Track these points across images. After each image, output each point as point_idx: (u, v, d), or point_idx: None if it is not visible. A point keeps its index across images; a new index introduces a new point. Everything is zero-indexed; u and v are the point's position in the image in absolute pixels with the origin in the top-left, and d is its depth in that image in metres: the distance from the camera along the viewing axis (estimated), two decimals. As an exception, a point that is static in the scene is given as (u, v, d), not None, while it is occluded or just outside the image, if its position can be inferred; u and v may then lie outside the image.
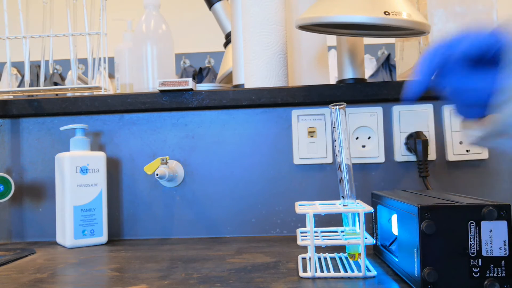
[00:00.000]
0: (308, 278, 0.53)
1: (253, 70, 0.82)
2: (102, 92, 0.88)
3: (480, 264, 0.44)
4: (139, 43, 1.06)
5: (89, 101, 0.84)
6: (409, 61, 1.03)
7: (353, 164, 0.80)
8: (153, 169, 0.77)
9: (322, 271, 0.54)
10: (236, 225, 0.83)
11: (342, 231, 0.61)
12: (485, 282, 0.43)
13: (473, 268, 0.44)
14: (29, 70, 0.88)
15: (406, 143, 0.80)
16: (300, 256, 0.61)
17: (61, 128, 0.81)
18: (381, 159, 0.81)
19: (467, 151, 0.80)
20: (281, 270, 0.57)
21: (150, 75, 1.04)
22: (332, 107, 0.59)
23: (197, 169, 0.84)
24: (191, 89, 0.82)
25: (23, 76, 2.72)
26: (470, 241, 0.44)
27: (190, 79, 0.80)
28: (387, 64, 2.74)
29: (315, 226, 0.58)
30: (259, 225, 0.82)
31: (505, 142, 0.37)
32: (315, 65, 0.93)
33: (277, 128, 0.83)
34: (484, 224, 0.44)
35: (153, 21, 1.06)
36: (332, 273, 0.53)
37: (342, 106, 0.59)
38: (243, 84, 0.88)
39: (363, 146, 0.81)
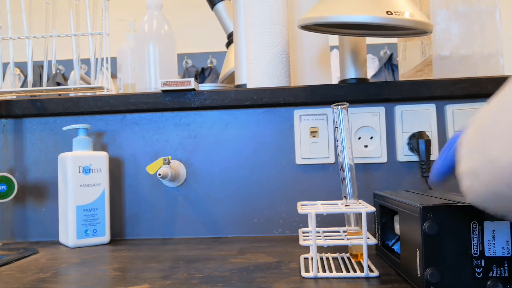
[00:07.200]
0: (310, 278, 0.53)
1: (255, 70, 0.82)
2: (104, 92, 0.88)
3: (483, 264, 0.44)
4: (142, 43, 1.06)
5: (91, 101, 0.84)
6: (411, 60, 1.03)
7: (355, 164, 0.80)
8: (155, 169, 0.77)
9: (324, 271, 0.54)
10: (238, 225, 0.83)
11: (344, 231, 0.61)
12: (488, 283, 0.43)
13: (476, 269, 0.44)
14: (32, 70, 0.89)
15: (408, 143, 0.80)
16: (302, 256, 0.61)
17: (64, 128, 0.81)
18: (384, 159, 0.81)
19: (470, 151, 0.79)
20: (283, 270, 0.57)
21: (153, 75, 1.04)
22: (335, 107, 0.59)
23: (199, 169, 0.84)
24: (193, 89, 0.82)
25: (26, 76, 2.73)
26: (473, 241, 0.44)
27: (192, 79, 0.81)
28: (390, 64, 2.74)
29: (317, 226, 0.58)
30: (261, 225, 0.82)
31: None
32: (317, 65, 0.93)
33: (279, 128, 0.83)
34: (487, 224, 0.44)
35: (155, 21, 1.06)
36: (335, 273, 0.53)
37: (344, 106, 0.58)
38: (245, 84, 0.88)
39: (366, 146, 0.81)
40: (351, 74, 0.85)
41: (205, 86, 0.92)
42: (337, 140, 0.59)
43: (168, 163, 0.78)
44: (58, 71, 2.84)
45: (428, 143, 0.77)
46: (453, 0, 0.83)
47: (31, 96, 0.92)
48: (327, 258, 0.61)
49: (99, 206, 0.78)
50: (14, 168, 0.87)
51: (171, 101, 0.82)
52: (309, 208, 0.56)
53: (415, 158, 0.80)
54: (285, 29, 0.82)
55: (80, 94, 1.00)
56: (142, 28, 1.06)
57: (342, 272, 0.54)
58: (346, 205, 0.58)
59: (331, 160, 0.81)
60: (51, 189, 0.86)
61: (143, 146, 0.85)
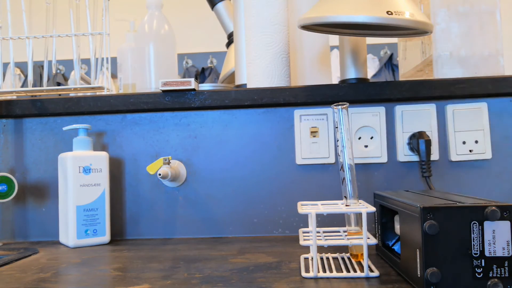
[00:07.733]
0: (311, 278, 0.53)
1: (255, 70, 0.82)
2: (104, 92, 0.88)
3: (483, 264, 0.44)
4: (142, 43, 1.06)
5: (91, 101, 0.84)
6: (411, 60, 1.03)
7: (355, 164, 0.80)
8: (155, 169, 0.77)
9: (324, 271, 0.54)
10: (238, 225, 0.83)
11: (344, 231, 0.61)
12: (488, 283, 0.43)
13: (476, 269, 0.44)
14: (32, 70, 0.89)
15: (409, 143, 0.80)
16: (302, 256, 0.61)
17: (64, 128, 0.81)
18: (384, 159, 0.81)
19: (470, 151, 0.79)
20: (284, 270, 0.57)
21: (153, 75, 1.04)
22: (335, 107, 0.59)
23: (199, 169, 0.84)
24: (194, 89, 0.82)
25: (26, 76, 2.73)
26: (473, 241, 0.44)
27: (192, 79, 0.81)
28: (390, 64, 2.74)
29: (317, 226, 0.58)
30: (262, 225, 0.82)
31: None
32: (317, 65, 0.93)
33: (279, 128, 0.83)
34: (487, 224, 0.44)
35: (155, 21, 1.06)
36: (335, 273, 0.53)
37: (344, 106, 0.59)
38: (245, 84, 0.88)
39: (366, 146, 0.81)
40: (351, 74, 0.85)
41: (205, 86, 0.92)
42: (337, 140, 0.59)
43: (168, 163, 0.78)
44: (58, 71, 2.84)
45: (428, 143, 0.77)
46: (453, 0, 0.83)
47: (31, 96, 0.92)
48: (327, 258, 0.61)
49: (99, 206, 0.78)
50: (15, 168, 0.87)
51: (171, 101, 0.82)
52: (309, 208, 0.56)
53: (415, 158, 0.80)
54: (285, 29, 0.82)
55: (80, 94, 1.00)
56: (142, 28, 1.06)
57: (342, 272, 0.54)
58: (346, 205, 0.58)
59: (331, 160, 0.81)
60: (51, 189, 0.86)
61: (143, 146, 0.85)
